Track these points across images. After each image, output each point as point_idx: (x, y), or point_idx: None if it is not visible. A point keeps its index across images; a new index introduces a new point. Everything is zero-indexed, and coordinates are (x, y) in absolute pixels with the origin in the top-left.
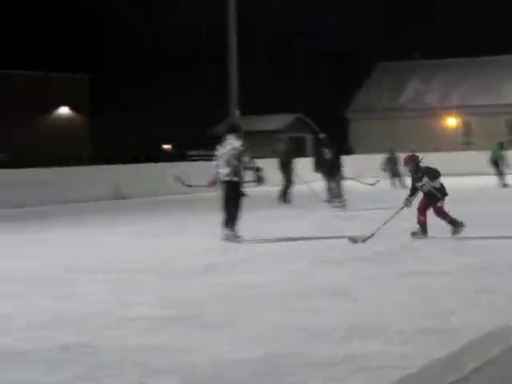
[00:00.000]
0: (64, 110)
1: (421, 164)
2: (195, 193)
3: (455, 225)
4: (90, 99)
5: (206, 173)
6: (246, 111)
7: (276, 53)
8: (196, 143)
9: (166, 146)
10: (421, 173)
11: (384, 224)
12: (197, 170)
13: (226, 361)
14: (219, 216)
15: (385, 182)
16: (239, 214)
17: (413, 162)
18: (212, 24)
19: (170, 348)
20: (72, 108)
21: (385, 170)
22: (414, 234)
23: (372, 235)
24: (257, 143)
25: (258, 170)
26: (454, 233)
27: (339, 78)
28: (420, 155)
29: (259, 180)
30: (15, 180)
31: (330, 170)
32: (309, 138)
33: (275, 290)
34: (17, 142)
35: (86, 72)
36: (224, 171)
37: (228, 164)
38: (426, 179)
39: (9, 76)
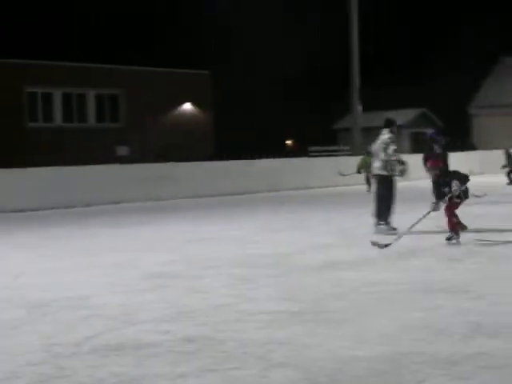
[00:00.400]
0: (187, 106)
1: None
2: (314, 188)
3: (455, 231)
4: (213, 95)
5: (326, 168)
6: (369, 107)
7: (400, 47)
8: (318, 139)
9: (289, 142)
10: (448, 178)
11: (411, 228)
12: (316, 166)
13: (346, 357)
14: (337, 212)
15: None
16: (392, 206)
17: (438, 167)
18: (335, 20)
19: (290, 342)
20: (195, 104)
21: (504, 167)
22: (448, 239)
23: (397, 239)
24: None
25: (402, 163)
26: (448, 238)
27: (464, 72)
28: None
29: (401, 173)
30: (141, 175)
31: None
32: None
33: (396, 287)
34: (144, 137)
35: (209, 68)
36: (375, 165)
37: (378, 157)
38: (455, 182)
39: (137, 72)
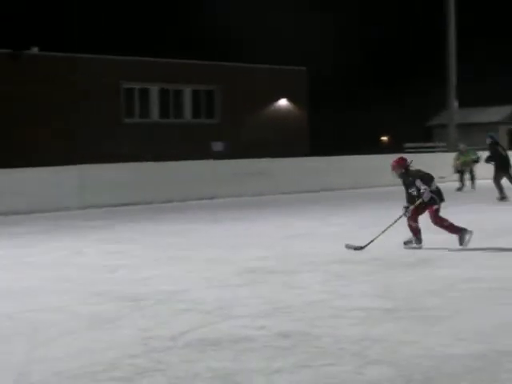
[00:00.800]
0: (283, 102)
1: (410, 167)
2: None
3: (458, 232)
4: (308, 91)
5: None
6: (465, 103)
7: (497, 42)
8: (414, 135)
9: (384, 138)
10: (411, 177)
11: (382, 233)
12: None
13: (441, 355)
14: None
15: None
16: None
17: (402, 166)
18: (430, 11)
19: (385, 339)
20: (291, 100)
21: None
22: (406, 243)
23: (370, 243)
24: (473, 135)
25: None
26: (461, 243)
27: None
28: (409, 158)
29: None
30: (236, 170)
31: (501, 165)
32: None
33: (492, 284)
34: (239, 133)
35: (304, 65)
36: None
37: None
38: (423, 186)
39: (232, 68)
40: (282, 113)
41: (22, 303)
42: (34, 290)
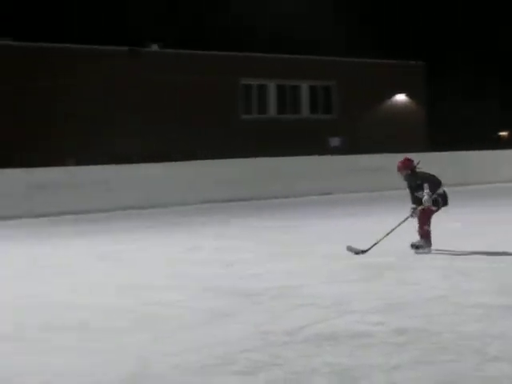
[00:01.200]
0: (400, 97)
1: (418, 169)
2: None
3: (426, 239)
4: (426, 86)
5: None
6: None
7: None
8: None
9: (503, 133)
10: (419, 180)
11: (387, 235)
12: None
13: None
14: None
15: None
16: None
17: (408, 167)
18: None
19: (506, 336)
20: (409, 95)
21: None
22: (414, 246)
23: (373, 246)
24: None
25: None
26: (416, 245)
27: None
28: (416, 159)
29: None
30: (353, 166)
31: None
32: None
33: None
34: (356, 128)
35: (422, 59)
36: None
37: None
38: (426, 191)
39: (349, 64)
40: (400, 108)
41: (140, 298)
42: (152, 285)
